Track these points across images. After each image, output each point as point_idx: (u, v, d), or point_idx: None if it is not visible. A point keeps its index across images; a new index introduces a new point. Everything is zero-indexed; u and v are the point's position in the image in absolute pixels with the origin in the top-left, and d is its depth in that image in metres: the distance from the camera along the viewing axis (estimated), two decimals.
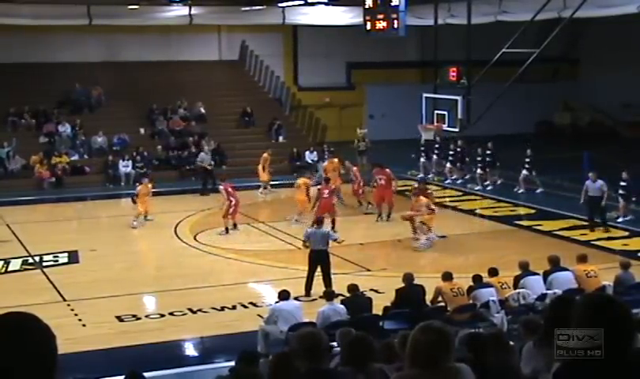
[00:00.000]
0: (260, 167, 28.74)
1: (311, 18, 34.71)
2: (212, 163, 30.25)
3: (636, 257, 19.31)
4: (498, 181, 29.46)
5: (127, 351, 13.63)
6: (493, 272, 14.75)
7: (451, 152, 30.90)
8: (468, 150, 30.54)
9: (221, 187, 23.09)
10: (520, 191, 28.06)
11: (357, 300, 13.79)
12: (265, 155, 28.89)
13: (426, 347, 3.68)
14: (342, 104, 41.97)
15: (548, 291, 14.10)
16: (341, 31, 36.28)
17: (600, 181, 22.42)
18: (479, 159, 29.54)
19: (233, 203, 22.30)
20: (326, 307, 13.18)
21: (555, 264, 14.84)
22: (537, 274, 14.69)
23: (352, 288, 13.97)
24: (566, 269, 14.81)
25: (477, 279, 14.50)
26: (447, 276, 14.30)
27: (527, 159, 28.13)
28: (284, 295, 13.54)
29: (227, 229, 22.35)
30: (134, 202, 23.66)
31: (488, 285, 14.29)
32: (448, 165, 30.92)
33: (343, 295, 14.07)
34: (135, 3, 32.38)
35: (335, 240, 17.66)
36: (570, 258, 15.61)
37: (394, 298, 13.89)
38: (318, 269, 16.55)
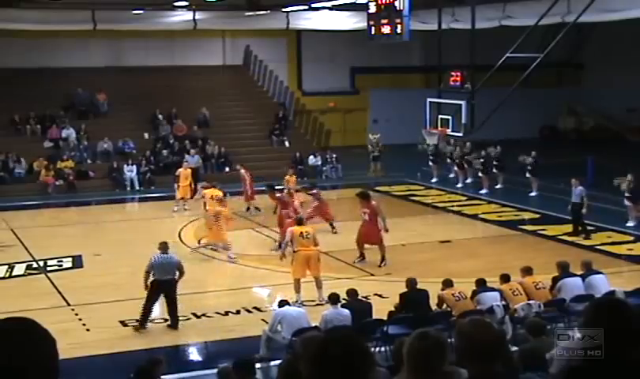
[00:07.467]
0: None
1: (315, 23, 34.77)
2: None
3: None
4: (498, 186, 29.49)
5: (131, 356, 13.60)
6: (505, 278, 14.61)
7: (458, 157, 30.91)
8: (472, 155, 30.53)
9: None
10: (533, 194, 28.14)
11: (359, 305, 13.76)
12: None
13: (421, 354, 3.72)
14: (346, 109, 42.02)
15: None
16: (345, 36, 36.32)
17: (580, 188, 22.32)
18: (481, 161, 29.63)
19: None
20: (329, 311, 13.17)
21: (565, 271, 14.75)
22: (576, 276, 14.56)
23: (351, 293, 13.93)
24: (574, 275, 14.72)
25: (481, 282, 14.47)
26: (447, 283, 14.31)
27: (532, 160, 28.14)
28: (282, 304, 13.63)
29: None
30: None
31: (492, 289, 14.26)
32: (455, 168, 30.96)
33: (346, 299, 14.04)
34: (140, 8, 32.47)
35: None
36: (574, 263, 15.52)
37: (399, 302, 13.87)
38: None
